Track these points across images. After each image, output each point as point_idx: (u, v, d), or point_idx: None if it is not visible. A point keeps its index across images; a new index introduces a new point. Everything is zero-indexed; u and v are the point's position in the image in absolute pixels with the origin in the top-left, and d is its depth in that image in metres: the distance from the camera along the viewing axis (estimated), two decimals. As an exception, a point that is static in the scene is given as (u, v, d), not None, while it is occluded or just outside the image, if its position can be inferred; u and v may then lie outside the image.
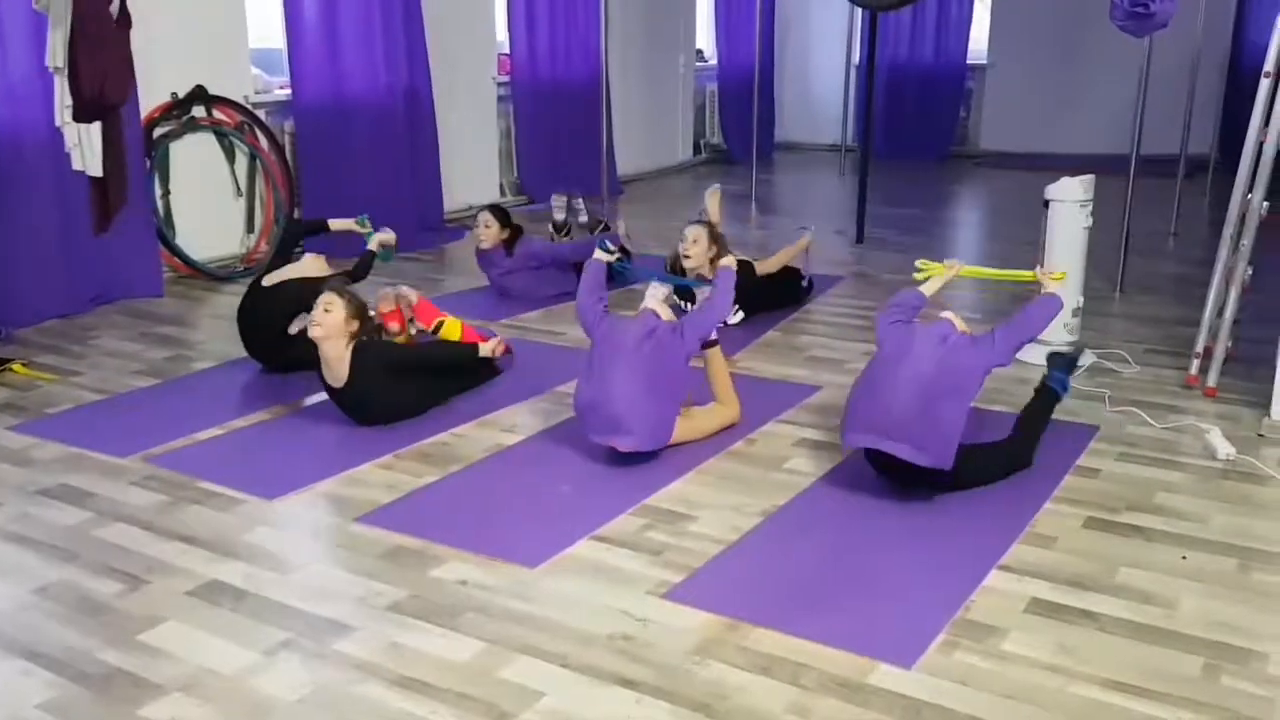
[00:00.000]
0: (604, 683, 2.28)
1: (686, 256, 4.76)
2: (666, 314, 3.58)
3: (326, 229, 4.56)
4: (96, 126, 3.92)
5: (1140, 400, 3.88)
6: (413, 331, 4.30)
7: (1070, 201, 4.21)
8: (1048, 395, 3.48)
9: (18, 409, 3.95)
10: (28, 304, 4.95)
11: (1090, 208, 4.27)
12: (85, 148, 3.96)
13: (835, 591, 2.57)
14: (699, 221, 4.87)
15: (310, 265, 4.36)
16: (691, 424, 3.54)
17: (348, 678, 2.31)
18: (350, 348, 3.62)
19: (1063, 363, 3.61)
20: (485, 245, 5.34)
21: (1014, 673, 2.29)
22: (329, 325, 3.56)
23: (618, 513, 3.06)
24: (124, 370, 4.37)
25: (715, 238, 4.81)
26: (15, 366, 4.32)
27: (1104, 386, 4.02)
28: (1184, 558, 2.77)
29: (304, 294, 4.25)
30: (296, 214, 6.28)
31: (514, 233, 5.40)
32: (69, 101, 3.90)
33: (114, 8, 3.84)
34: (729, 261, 3.89)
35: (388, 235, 4.55)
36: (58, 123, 4.03)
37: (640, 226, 6.27)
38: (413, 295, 4.28)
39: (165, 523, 3.04)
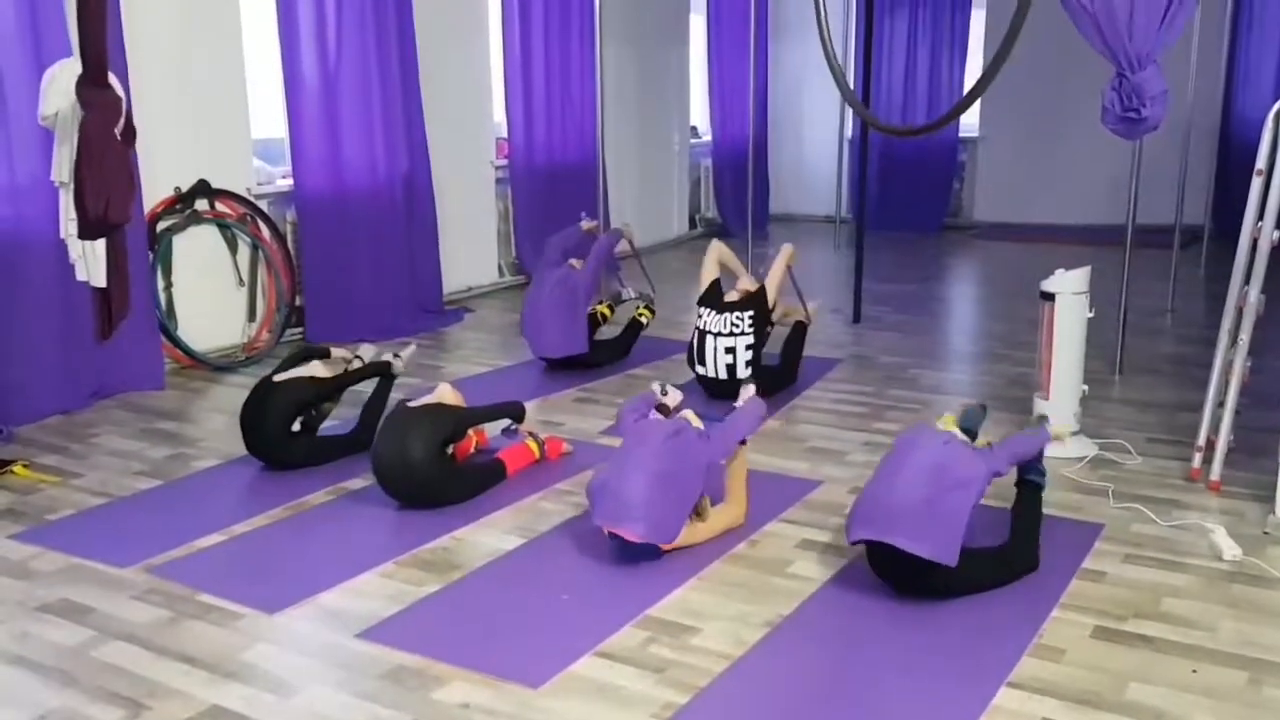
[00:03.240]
0: (610, 818, 2.25)
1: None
2: (697, 424, 3.60)
3: (329, 355, 4.62)
4: (100, 240, 3.97)
5: (1144, 495, 3.88)
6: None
7: (1070, 294, 4.23)
8: (1030, 490, 3.49)
9: (19, 514, 3.93)
10: (28, 400, 4.95)
11: (1089, 297, 4.30)
12: (89, 259, 4.00)
13: (844, 718, 2.54)
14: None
15: (318, 368, 4.42)
16: (697, 528, 3.53)
17: (350, 815, 2.28)
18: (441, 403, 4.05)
19: (1034, 465, 3.61)
20: (576, 266, 5.77)
21: (1026, 803, 2.26)
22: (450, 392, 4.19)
23: (620, 625, 3.04)
24: (125, 471, 4.36)
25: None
26: (17, 469, 4.31)
27: (1107, 480, 4.01)
28: (1194, 671, 2.74)
29: (309, 393, 4.31)
30: (298, 301, 6.33)
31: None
32: (73, 215, 3.94)
33: (119, 127, 3.88)
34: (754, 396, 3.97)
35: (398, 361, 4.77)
36: (62, 235, 4.08)
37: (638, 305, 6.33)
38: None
39: (165, 641, 3.02)
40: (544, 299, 5.63)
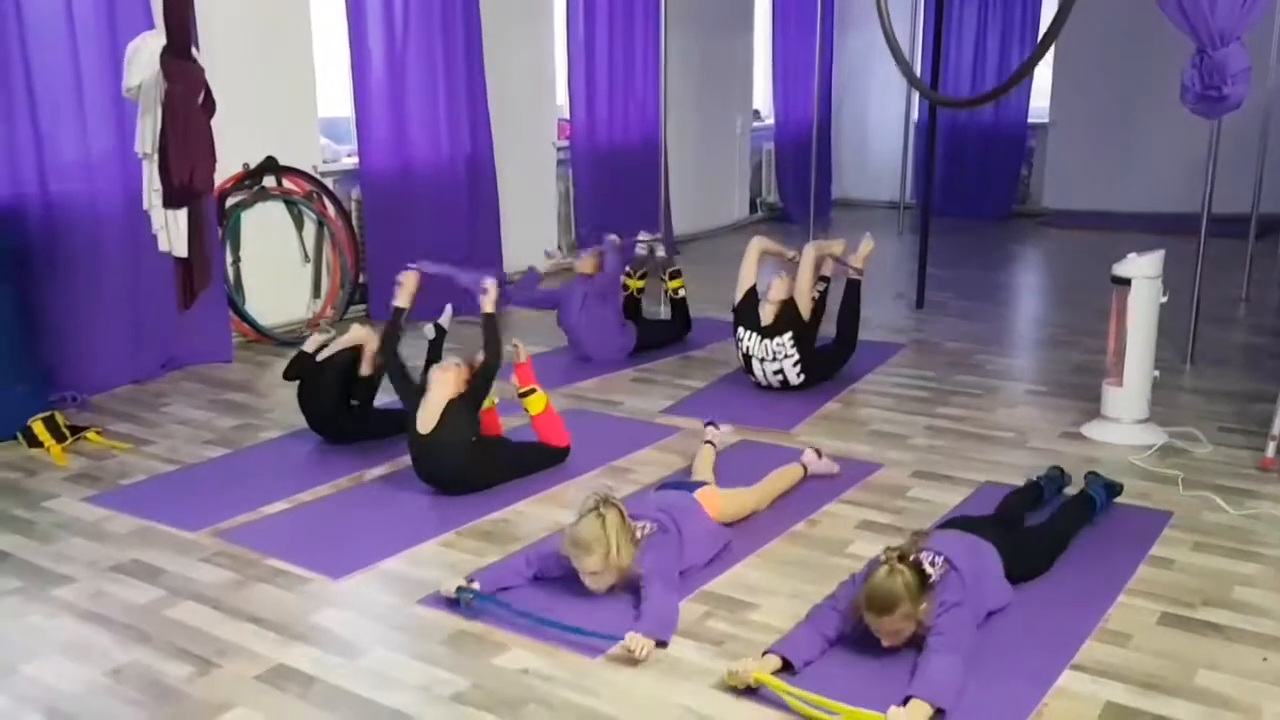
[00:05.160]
0: (668, 785, 2.26)
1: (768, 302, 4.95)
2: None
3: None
4: (183, 210, 4.07)
5: (1214, 484, 3.79)
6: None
7: (1144, 278, 4.15)
8: (1086, 502, 3.44)
9: (93, 479, 4.04)
10: (101, 370, 5.08)
11: (1162, 282, 4.22)
12: (171, 229, 4.10)
13: (902, 692, 2.52)
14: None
15: (358, 334, 4.42)
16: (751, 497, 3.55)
17: (412, 773, 2.32)
18: (448, 401, 3.76)
19: (1103, 486, 3.54)
20: (589, 271, 5.58)
21: (1089, 784, 2.23)
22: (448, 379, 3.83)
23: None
24: (195, 439, 4.45)
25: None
26: (90, 435, 4.43)
27: (1177, 468, 3.94)
28: (1265, 660, 2.69)
29: (355, 363, 4.36)
30: (362, 278, 6.40)
31: (601, 256, 5.65)
32: (157, 186, 4.05)
33: (200, 98, 3.98)
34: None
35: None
36: (145, 206, 4.20)
37: (695, 290, 6.26)
38: (521, 354, 4.23)
39: (234, 602, 3.08)
40: (580, 318, 5.51)
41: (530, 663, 2.74)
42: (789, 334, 4.86)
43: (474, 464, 3.85)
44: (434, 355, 4.56)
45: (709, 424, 4.18)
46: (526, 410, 4.07)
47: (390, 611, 3.03)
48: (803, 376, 4.91)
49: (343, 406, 4.35)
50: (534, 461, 4.04)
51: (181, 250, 4.15)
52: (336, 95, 6.53)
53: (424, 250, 6.51)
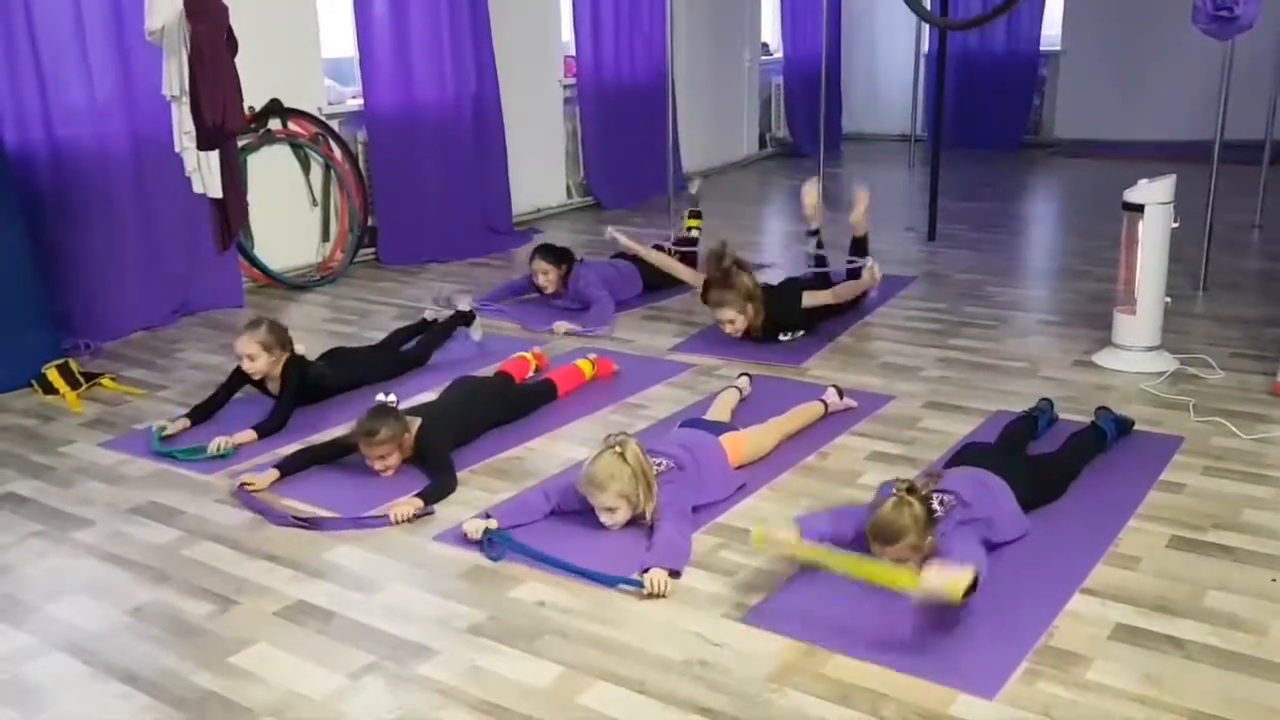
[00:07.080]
0: (682, 710, 2.29)
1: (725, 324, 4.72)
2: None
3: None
4: (214, 151, 4.05)
5: (1226, 409, 3.79)
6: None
7: (1155, 204, 4.11)
8: (1095, 433, 3.45)
9: (108, 424, 4.08)
10: (113, 317, 5.10)
11: (1173, 207, 4.18)
12: (204, 171, 4.08)
13: (913, 616, 2.55)
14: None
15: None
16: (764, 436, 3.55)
17: (431, 702, 2.36)
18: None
19: (1113, 420, 3.53)
20: (550, 290, 5.39)
21: (1099, 703, 2.26)
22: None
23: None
24: (208, 384, 4.46)
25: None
26: (104, 382, 4.46)
27: (1188, 394, 3.93)
28: (1274, 580, 2.70)
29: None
30: (370, 221, 6.38)
31: (569, 263, 5.39)
32: (189, 128, 4.01)
33: (225, 34, 3.95)
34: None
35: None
36: (177, 149, 4.16)
37: (705, 227, 6.23)
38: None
39: (251, 541, 3.12)
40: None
41: (546, 595, 2.77)
42: (801, 332, 4.77)
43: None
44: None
45: (742, 375, 4.17)
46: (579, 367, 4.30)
47: (406, 548, 3.06)
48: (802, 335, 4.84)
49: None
50: (533, 403, 4.07)
51: (216, 191, 4.13)
52: (340, 35, 6.46)
53: (430, 191, 6.51)
